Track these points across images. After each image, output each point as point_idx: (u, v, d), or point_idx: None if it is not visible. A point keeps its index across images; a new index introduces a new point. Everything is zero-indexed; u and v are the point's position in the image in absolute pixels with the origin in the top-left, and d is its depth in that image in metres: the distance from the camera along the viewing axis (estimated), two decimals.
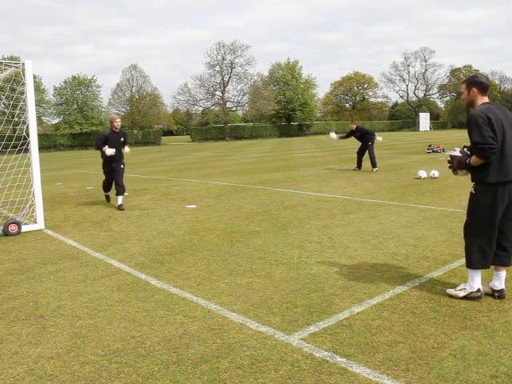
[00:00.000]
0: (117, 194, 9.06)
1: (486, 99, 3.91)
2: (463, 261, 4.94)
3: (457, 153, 4.04)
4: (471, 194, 3.96)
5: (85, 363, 3.10)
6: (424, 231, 6.32)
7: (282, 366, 2.95)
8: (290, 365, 2.97)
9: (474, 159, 3.81)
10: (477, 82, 3.88)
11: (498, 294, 3.92)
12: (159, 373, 2.94)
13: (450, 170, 4.12)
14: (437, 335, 3.29)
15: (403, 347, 3.14)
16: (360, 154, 14.82)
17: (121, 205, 8.99)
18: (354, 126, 15.01)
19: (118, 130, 9.04)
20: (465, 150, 4.04)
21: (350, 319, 3.61)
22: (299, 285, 4.42)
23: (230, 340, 3.34)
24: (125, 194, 9.38)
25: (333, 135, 15.76)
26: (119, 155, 9.05)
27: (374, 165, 14.38)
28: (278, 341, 3.30)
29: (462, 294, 3.90)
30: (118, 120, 9.09)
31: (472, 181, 3.96)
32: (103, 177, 9.47)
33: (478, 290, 3.86)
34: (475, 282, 3.86)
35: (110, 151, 8.79)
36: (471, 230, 3.94)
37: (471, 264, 3.89)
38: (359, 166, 14.78)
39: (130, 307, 4.03)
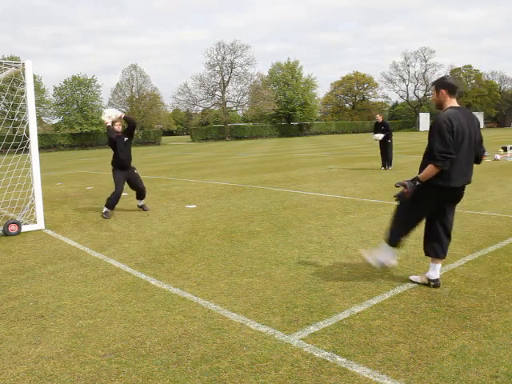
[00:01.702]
0: (142, 198, 8.74)
1: (454, 102, 3.98)
2: (463, 261, 4.96)
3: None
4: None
5: (85, 363, 3.10)
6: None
7: (282, 366, 2.95)
8: (290, 365, 2.97)
9: (427, 171, 3.91)
10: (445, 84, 3.94)
11: (433, 284, 4.17)
12: (159, 373, 2.94)
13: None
14: (437, 335, 3.29)
15: (403, 347, 3.14)
16: (383, 151, 14.85)
17: (144, 205, 8.80)
18: (381, 119, 14.92)
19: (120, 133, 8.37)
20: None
21: (350, 319, 3.61)
22: (299, 285, 4.42)
23: (230, 340, 3.34)
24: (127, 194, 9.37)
25: (379, 136, 14.86)
26: (129, 159, 8.50)
27: (390, 162, 14.67)
28: (278, 341, 3.30)
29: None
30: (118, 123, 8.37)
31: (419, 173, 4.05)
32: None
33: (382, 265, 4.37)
34: (390, 255, 4.31)
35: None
36: (398, 214, 4.27)
37: (391, 242, 4.27)
38: (388, 163, 14.79)
39: (130, 307, 4.03)
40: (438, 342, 3.20)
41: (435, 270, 4.17)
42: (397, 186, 4.20)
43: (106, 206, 8.35)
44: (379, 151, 15.17)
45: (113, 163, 8.48)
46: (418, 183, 4.02)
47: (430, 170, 3.88)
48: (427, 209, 4.10)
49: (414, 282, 4.32)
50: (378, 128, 15.02)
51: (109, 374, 2.95)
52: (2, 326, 3.75)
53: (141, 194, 8.72)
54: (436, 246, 4.14)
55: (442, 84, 3.96)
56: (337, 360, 3.00)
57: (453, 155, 3.78)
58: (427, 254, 4.23)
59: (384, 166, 14.76)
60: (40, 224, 7.45)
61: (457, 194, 4.07)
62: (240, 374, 2.88)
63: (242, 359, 3.06)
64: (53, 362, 3.14)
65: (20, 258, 5.80)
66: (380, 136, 14.71)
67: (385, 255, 4.32)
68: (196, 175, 15.35)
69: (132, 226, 7.48)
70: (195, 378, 2.86)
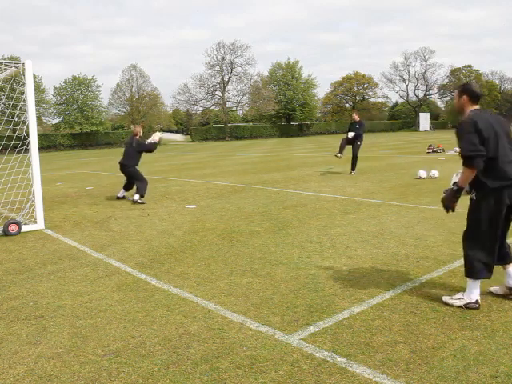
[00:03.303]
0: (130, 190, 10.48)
1: (475, 107, 3.87)
2: (463, 261, 4.95)
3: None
4: (471, 200, 3.86)
5: (85, 363, 3.10)
6: (424, 231, 6.32)
7: (282, 366, 2.95)
8: (290, 365, 2.97)
9: (462, 176, 3.76)
10: (468, 90, 3.91)
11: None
12: (159, 373, 2.94)
13: (450, 211, 3.97)
14: (437, 335, 3.29)
15: (403, 347, 3.14)
16: (345, 142, 13.71)
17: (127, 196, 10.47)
18: (358, 118, 13.76)
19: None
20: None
21: (350, 319, 3.61)
22: (299, 285, 4.42)
23: (229, 340, 3.34)
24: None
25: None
26: None
27: (353, 167, 13.60)
28: (278, 341, 3.30)
29: (458, 303, 3.79)
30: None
31: (472, 187, 3.84)
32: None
33: (476, 302, 3.74)
34: (474, 293, 3.75)
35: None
36: (473, 238, 3.81)
37: (472, 274, 3.76)
38: (352, 167, 13.75)
39: (130, 307, 4.03)
40: (437, 341, 3.20)
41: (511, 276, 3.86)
42: (444, 193, 4.01)
43: (138, 194, 9.79)
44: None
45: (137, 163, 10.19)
46: (455, 188, 3.82)
47: (466, 173, 3.72)
48: (498, 218, 3.73)
49: (493, 294, 4.01)
50: (352, 127, 13.68)
51: (109, 374, 2.95)
52: (2, 325, 3.75)
53: (131, 188, 10.35)
54: (502, 251, 3.85)
55: (464, 90, 3.92)
56: (337, 360, 3.00)
57: (482, 152, 3.60)
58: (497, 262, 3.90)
59: (353, 169, 13.60)
60: (40, 224, 7.45)
61: None
62: (240, 374, 2.88)
63: (242, 359, 3.06)
64: (53, 362, 3.14)
65: (20, 257, 5.80)
66: (351, 134, 13.57)
67: (473, 293, 3.80)
68: (196, 175, 15.35)
69: (132, 225, 7.48)
70: (195, 377, 2.87)
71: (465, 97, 3.89)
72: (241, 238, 6.32)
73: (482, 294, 4.00)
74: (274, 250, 5.69)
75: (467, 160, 3.67)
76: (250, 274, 4.79)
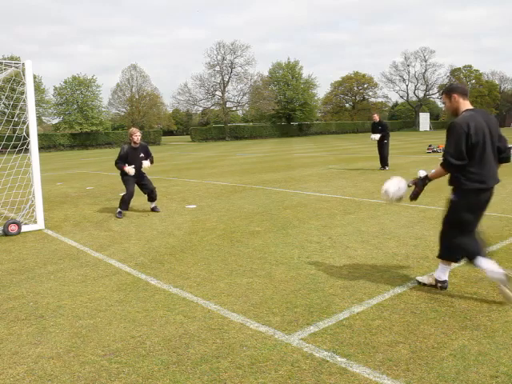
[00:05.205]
0: (153, 200, 8.71)
1: (468, 104, 3.96)
2: (463, 261, 4.95)
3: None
4: (451, 201, 3.99)
5: (85, 363, 3.10)
6: (424, 231, 6.32)
7: (282, 366, 2.95)
8: (290, 365, 2.97)
9: (435, 172, 3.98)
10: (455, 89, 3.99)
11: (440, 285, 4.14)
12: (159, 373, 2.94)
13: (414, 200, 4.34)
14: (437, 335, 3.29)
15: (403, 347, 3.14)
16: (380, 152, 14.85)
17: (156, 207, 8.71)
18: (378, 118, 15.01)
19: (137, 145, 8.36)
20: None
21: (350, 319, 3.61)
22: (299, 285, 4.42)
23: (230, 340, 3.34)
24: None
25: (376, 136, 14.71)
26: (138, 171, 8.43)
27: (385, 163, 14.68)
28: (278, 341, 3.30)
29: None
30: (138, 134, 8.31)
31: (449, 184, 3.99)
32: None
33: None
34: (485, 263, 3.88)
35: (131, 170, 8.24)
36: (447, 231, 4.11)
37: (473, 254, 3.95)
38: (384, 163, 14.79)
39: (130, 307, 4.03)
40: (437, 342, 3.20)
41: (445, 272, 4.15)
42: (409, 186, 4.27)
43: (122, 204, 8.30)
44: (377, 152, 15.22)
45: (122, 173, 8.45)
46: (427, 181, 4.12)
47: (439, 171, 3.95)
48: (471, 218, 3.94)
49: (420, 283, 4.29)
50: (375, 128, 15.05)
51: (109, 374, 2.95)
52: (2, 325, 3.75)
53: (154, 196, 8.67)
54: (455, 250, 4.09)
55: (451, 89, 3.98)
56: (337, 360, 3.00)
57: (464, 162, 3.75)
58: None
59: (383, 166, 14.85)
60: (40, 224, 7.45)
61: (490, 196, 3.96)
62: (240, 374, 2.88)
63: (242, 359, 3.06)
64: (53, 361, 3.14)
65: (20, 258, 5.80)
66: (377, 136, 14.75)
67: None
68: (196, 175, 15.35)
69: (132, 225, 7.48)
70: (195, 377, 2.87)
71: (455, 95, 3.94)
72: (241, 238, 6.32)
73: (478, 293, 4.01)
74: (274, 249, 5.69)
75: (447, 164, 3.84)
76: (250, 274, 4.79)
